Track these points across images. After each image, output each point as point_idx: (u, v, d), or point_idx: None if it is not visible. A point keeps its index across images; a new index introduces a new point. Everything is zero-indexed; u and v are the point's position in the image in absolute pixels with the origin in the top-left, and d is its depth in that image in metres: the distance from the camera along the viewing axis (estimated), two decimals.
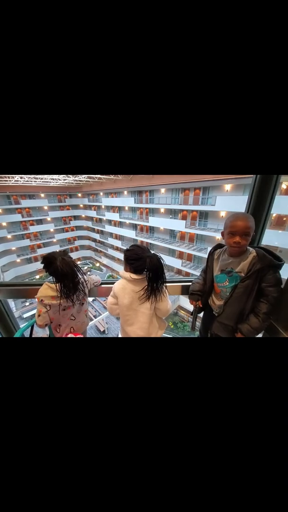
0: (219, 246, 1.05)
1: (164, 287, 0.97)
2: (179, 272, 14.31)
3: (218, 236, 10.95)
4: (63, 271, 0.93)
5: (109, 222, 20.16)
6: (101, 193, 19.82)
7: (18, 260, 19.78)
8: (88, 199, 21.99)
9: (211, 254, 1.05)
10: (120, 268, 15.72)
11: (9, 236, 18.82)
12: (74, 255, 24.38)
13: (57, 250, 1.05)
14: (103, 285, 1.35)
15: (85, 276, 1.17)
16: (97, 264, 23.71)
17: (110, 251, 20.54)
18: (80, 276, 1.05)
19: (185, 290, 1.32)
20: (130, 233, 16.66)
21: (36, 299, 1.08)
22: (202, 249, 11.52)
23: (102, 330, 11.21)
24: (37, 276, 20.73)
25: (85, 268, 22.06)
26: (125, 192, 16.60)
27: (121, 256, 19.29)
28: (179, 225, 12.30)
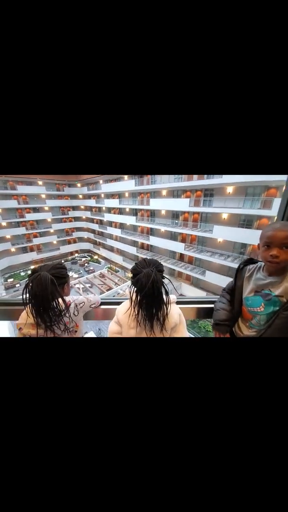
0: (250, 261, 0.86)
1: (178, 314, 0.77)
2: (181, 257, 13.45)
3: (225, 215, 10.17)
4: (32, 290, 0.68)
5: (109, 210, 19.46)
6: (101, 181, 19.22)
7: (13, 249, 18.93)
8: (87, 188, 21.39)
9: (240, 270, 0.85)
10: (119, 260, 14.70)
11: (3, 223, 18.04)
12: (72, 247, 23.67)
13: (53, 262, 0.78)
14: (102, 306, 1.08)
15: (75, 297, 0.91)
16: (95, 257, 23.00)
17: (109, 242, 19.75)
18: (59, 301, 0.74)
19: (202, 313, 1.08)
20: (131, 220, 15.90)
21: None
22: (207, 230, 10.71)
23: None
24: (32, 267, 19.82)
25: (83, 260, 21.41)
26: (126, 177, 15.97)
27: (120, 246, 18.54)
28: (182, 205, 11.54)
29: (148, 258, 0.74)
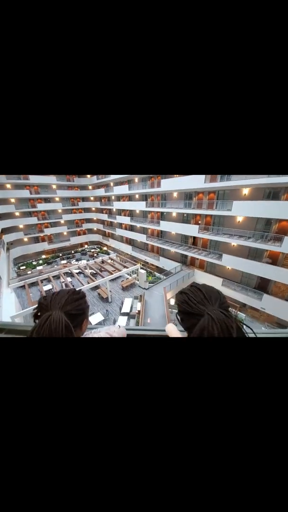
0: None
1: None
2: (194, 242, 12.52)
3: (246, 191, 9.08)
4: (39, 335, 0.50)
5: (118, 198, 19.02)
6: None
7: (25, 239, 19.36)
8: (96, 177, 21.16)
9: None
10: (128, 250, 14.18)
11: (17, 213, 18.46)
12: (82, 239, 23.75)
13: (68, 291, 0.57)
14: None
15: (95, 335, 0.69)
16: (104, 248, 22.84)
17: (119, 231, 19.35)
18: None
19: None
20: (141, 206, 15.26)
21: None
22: (225, 209, 9.69)
23: (105, 297, 9.81)
24: (43, 256, 20.20)
25: (92, 251, 21.35)
26: None
27: (130, 234, 18.00)
28: (196, 182, 10.61)
29: (200, 283, 0.52)
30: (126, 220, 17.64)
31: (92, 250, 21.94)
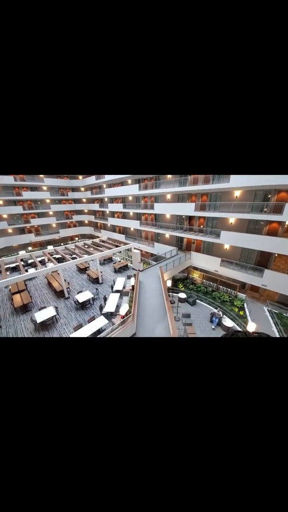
0: None
1: None
2: (190, 224, 11.94)
3: None
4: None
5: (110, 186, 18.21)
6: None
7: (10, 230, 17.92)
8: None
9: None
10: (121, 239, 13.16)
11: (0, 202, 17.07)
12: (72, 231, 22.56)
13: None
14: None
15: None
16: (97, 240, 21.84)
17: (111, 220, 18.47)
18: None
19: None
20: (133, 190, 14.54)
21: None
22: (223, 183, 9.18)
23: (95, 277, 8.88)
24: (29, 248, 18.81)
25: (82, 243, 20.25)
26: None
27: (122, 223, 17.15)
28: None
29: (258, 332, 0.51)
30: (119, 207, 16.83)
31: (83, 243, 20.86)
